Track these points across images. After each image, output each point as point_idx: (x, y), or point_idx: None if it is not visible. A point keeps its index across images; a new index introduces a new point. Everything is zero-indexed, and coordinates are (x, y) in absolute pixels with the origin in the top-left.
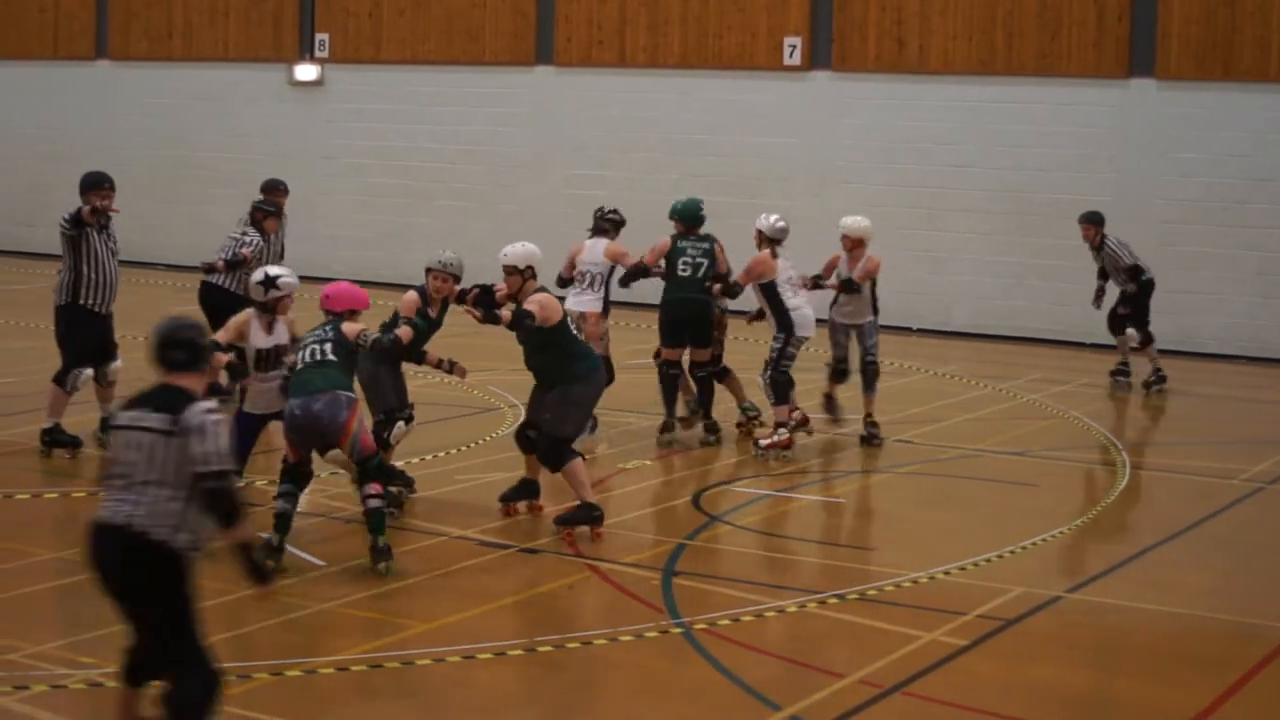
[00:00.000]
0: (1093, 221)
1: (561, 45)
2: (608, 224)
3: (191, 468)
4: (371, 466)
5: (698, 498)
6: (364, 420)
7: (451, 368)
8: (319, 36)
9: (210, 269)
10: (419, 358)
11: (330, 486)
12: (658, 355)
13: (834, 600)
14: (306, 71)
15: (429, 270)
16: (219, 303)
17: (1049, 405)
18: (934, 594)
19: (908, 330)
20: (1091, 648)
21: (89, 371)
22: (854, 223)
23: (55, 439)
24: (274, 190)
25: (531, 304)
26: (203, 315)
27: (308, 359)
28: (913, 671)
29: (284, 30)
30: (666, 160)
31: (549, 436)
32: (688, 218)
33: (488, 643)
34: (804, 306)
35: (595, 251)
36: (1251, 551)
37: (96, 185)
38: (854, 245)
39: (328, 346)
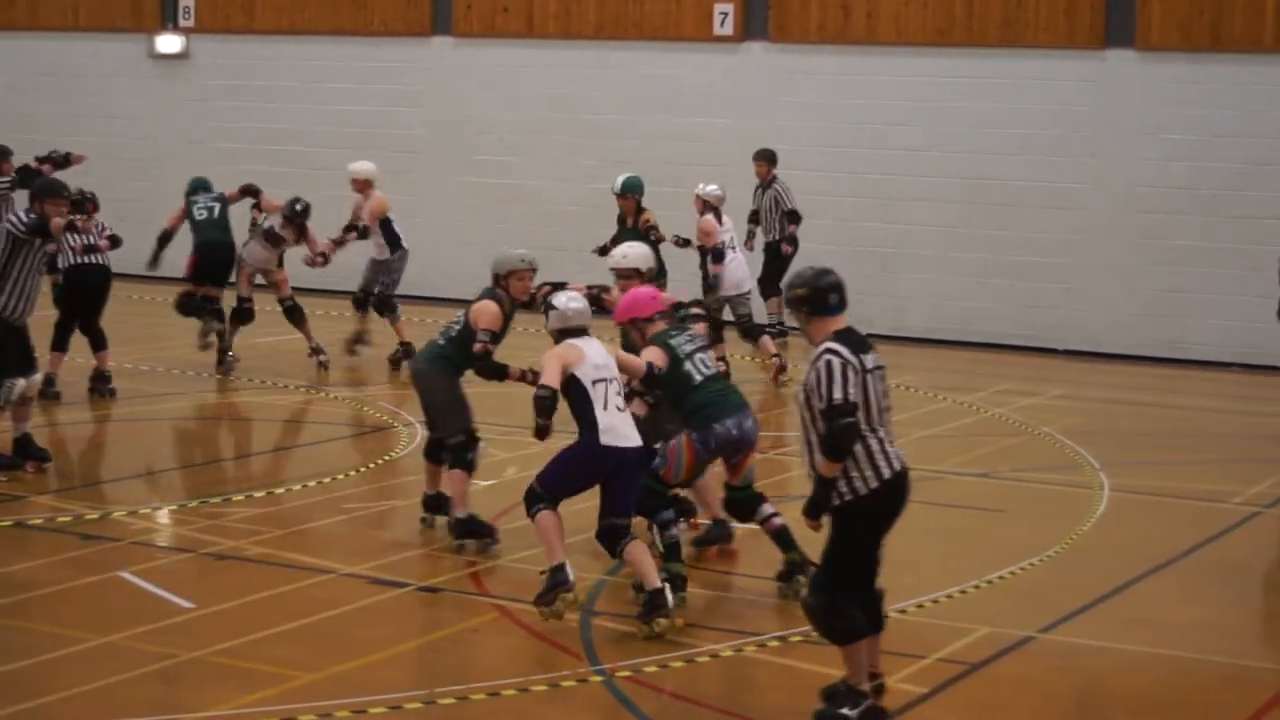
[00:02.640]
0: (766, 158)
1: (461, 13)
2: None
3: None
4: (755, 491)
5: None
6: None
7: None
8: (183, 3)
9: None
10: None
11: (198, 518)
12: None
13: (775, 643)
14: (169, 43)
15: (511, 272)
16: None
17: (1017, 420)
18: (888, 635)
19: None
20: (1068, 695)
21: (23, 382)
22: (359, 166)
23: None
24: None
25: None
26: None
27: (705, 370)
28: None
29: None
30: (582, 143)
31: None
32: (197, 188)
33: (381, 695)
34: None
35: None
36: (1247, 585)
37: (55, 194)
38: (362, 188)
39: (710, 353)
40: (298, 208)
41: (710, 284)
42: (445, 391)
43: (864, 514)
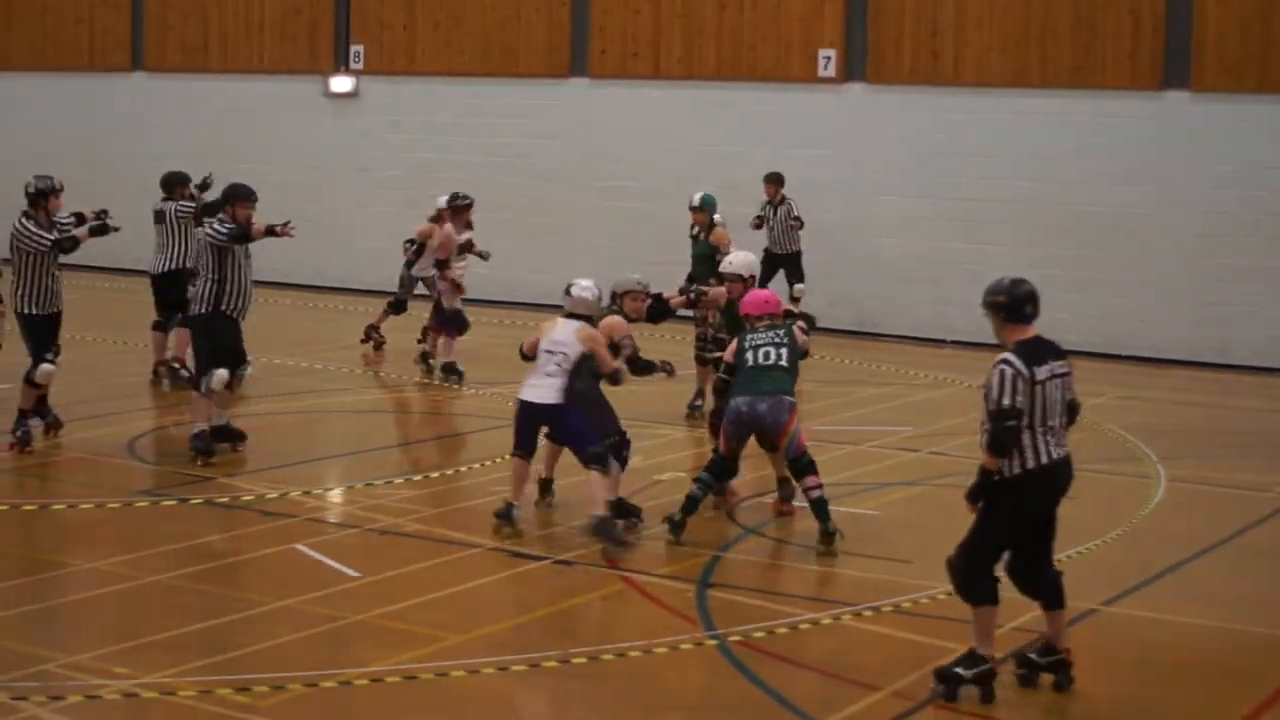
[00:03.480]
0: (776, 181)
1: (596, 57)
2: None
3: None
4: (805, 463)
5: (732, 510)
6: (800, 422)
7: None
8: (354, 48)
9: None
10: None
11: (364, 498)
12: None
13: (869, 612)
14: (341, 83)
15: (627, 292)
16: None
17: (1084, 418)
18: (968, 607)
19: (940, 342)
20: (1128, 660)
21: (223, 373)
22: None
23: (203, 446)
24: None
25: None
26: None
27: (760, 360)
28: None
29: (319, 42)
30: (701, 172)
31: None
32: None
33: (522, 654)
34: None
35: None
36: None
37: (245, 197)
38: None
39: (784, 351)
40: (460, 200)
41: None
42: (589, 397)
43: (1005, 495)
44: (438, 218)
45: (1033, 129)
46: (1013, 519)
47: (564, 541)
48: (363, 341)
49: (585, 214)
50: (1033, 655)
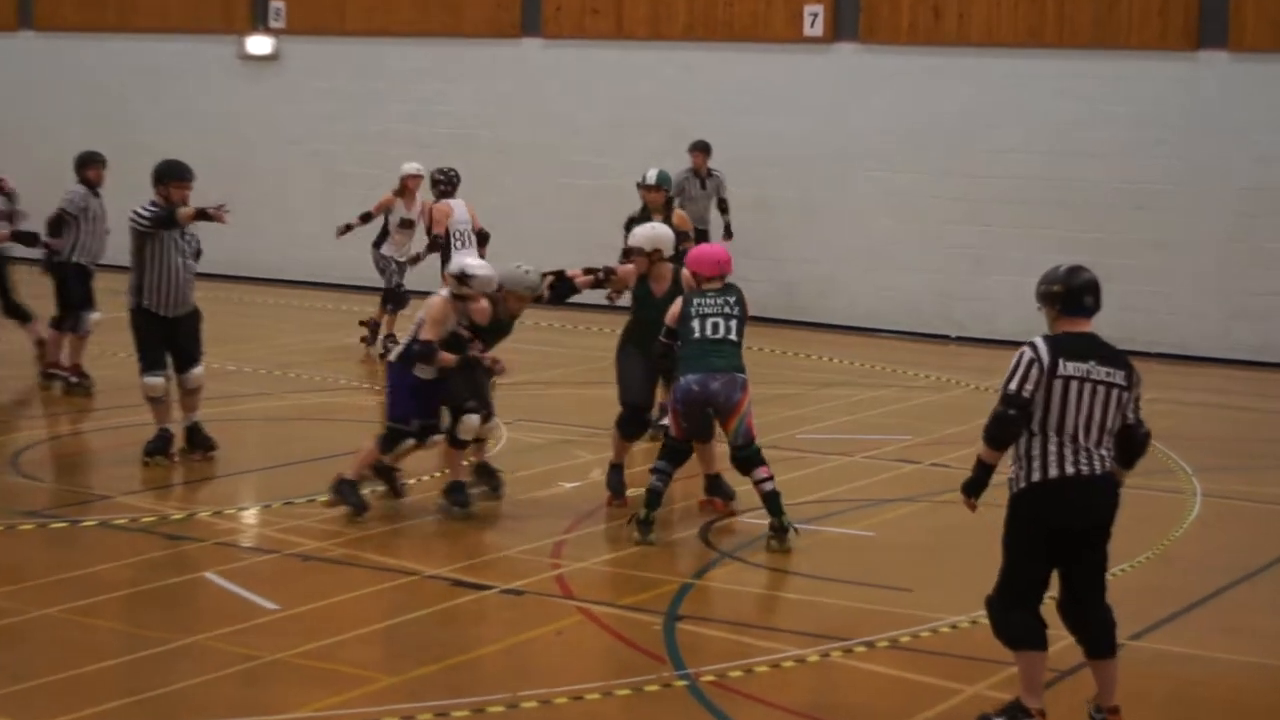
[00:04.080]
0: (704, 150)
1: (550, 14)
2: (452, 186)
3: (1122, 418)
4: (752, 452)
5: (705, 530)
6: (752, 404)
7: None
8: (274, 5)
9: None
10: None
11: (282, 519)
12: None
13: (861, 648)
14: (259, 44)
15: (510, 292)
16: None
17: None
18: (977, 641)
19: (945, 338)
20: (1159, 701)
21: (151, 381)
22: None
23: (151, 445)
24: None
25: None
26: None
27: (709, 332)
28: None
29: None
30: (670, 144)
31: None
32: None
33: (464, 698)
34: None
35: (463, 211)
36: None
37: (180, 176)
38: (418, 185)
39: (734, 324)
40: (453, 175)
41: None
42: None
43: (1015, 512)
44: (402, 190)
45: (1048, 95)
46: (1026, 541)
47: (513, 568)
48: (363, 340)
49: (538, 192)
50: (1090, 709)
